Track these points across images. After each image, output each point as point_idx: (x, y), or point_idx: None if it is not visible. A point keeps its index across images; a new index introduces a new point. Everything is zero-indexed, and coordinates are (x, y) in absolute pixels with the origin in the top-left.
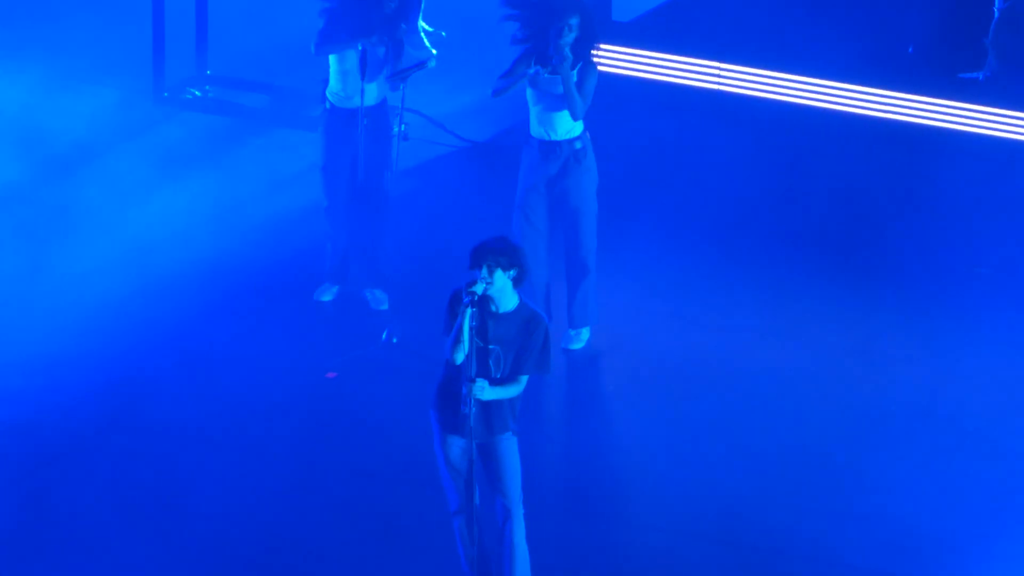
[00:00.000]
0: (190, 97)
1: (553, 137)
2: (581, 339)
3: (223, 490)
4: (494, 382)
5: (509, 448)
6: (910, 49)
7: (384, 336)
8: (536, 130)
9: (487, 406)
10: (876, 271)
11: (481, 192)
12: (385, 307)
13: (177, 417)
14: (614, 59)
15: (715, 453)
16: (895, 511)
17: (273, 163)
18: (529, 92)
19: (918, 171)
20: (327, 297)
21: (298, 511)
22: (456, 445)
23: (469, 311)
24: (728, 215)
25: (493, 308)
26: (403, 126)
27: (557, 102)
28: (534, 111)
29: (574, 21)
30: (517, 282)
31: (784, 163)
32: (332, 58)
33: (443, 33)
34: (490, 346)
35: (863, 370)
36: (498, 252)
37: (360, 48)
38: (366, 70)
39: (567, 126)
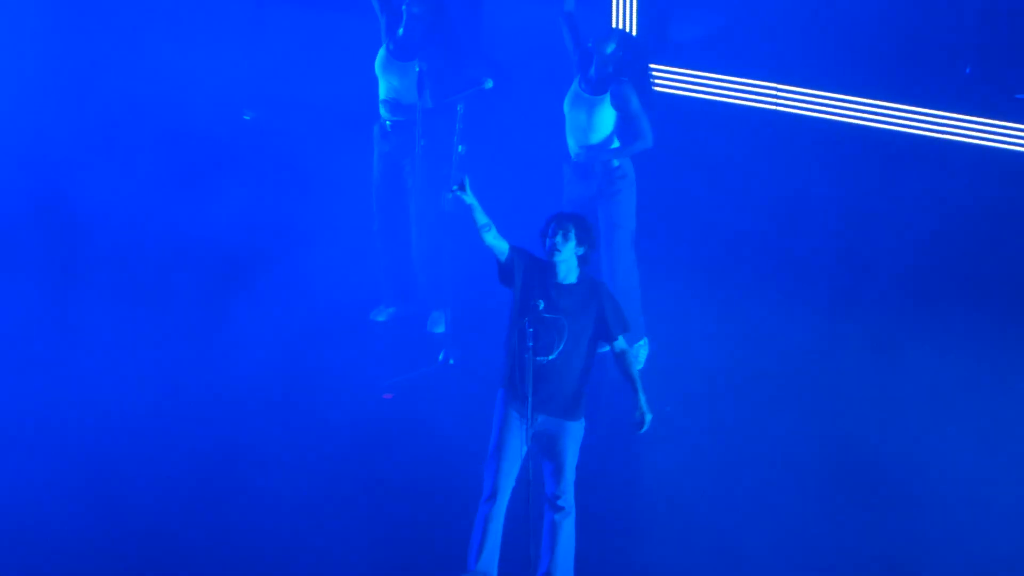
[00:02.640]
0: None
1: (587, 157)
2: (639, 360)
3: (279, 510)
4: (559, 348)
5: (576, 436)
6: (967, 70)
7: (441, 357)
8: (574, 150)
9: (573, 386)
10: (937, 295)
11: (539, 211)
12: (442, 328)
13: (235, 437)
14: (672, 80)
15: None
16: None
17: (328, 178)
18: (567, 103)
19: (980, 191)
20: (383, 317)
21: (354, 531)
22: (512, 417)
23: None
24: (779, 232)
25: (559, 278)
26: (461, 146)
27: (591, 121)
28: (570, 129)
29: (611, 47)
30: (584, 260)
31: (839, 182)
32: (385, 76)
33: (489, 83)
34: (556, 316)
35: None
36: (575, 224)
37: (417, 68)
38: (423, 89)
39: (602, 145)
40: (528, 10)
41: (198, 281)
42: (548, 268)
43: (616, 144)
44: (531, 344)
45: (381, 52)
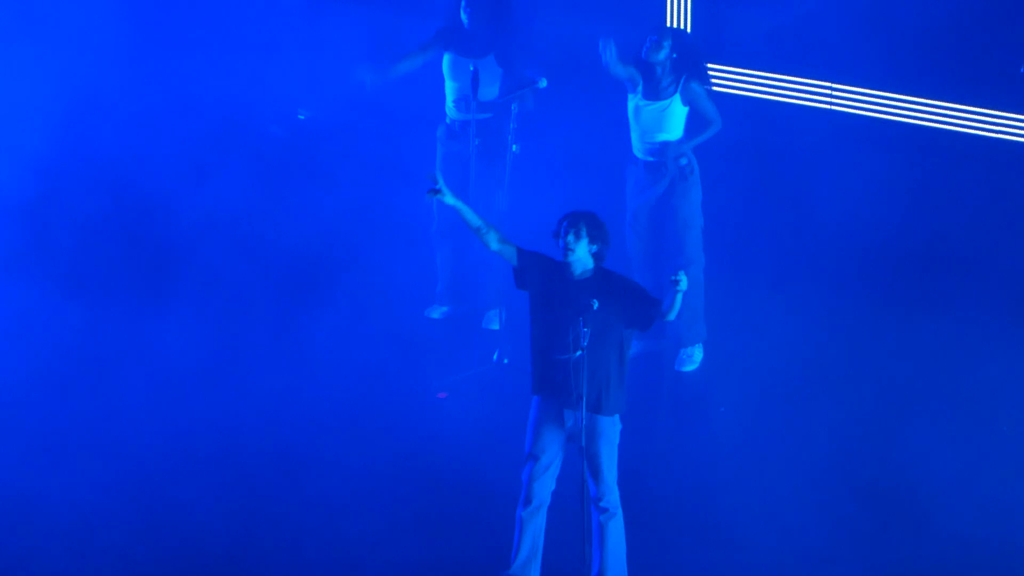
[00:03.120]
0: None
1: (658, 158)
2: (694, 360)
3: (334, 506)
4: (585, 343)
5: (611, 433)
6: (1022, 69)
7: (495, 356)
8: (641, 152)
9: (603, 381)
10: (999, 298)
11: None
12: (497, 326)
13: (290, 436)
14: (727, 79)
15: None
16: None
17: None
18: (632, 113)
19: None
20: (438, 315)
21: (407, 528)
22: (545, 413)
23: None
24: (840, 233)
25: (576, 276)
26: (516, 146)
27: (660, 125)
28: (636, 134)
29: (666, 42)
30: (599, 257)
31: (897, 183)
32: (451, 77)
33: (543, 82)
34: (578, 314)
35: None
36: (586, 222)
37: (472, 68)
38: (478, 89)
39: (672, 145)
40: (583, 9)
41: (257, 281)
42: (563, 267)
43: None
44: (584, 344)
45: (447, 54)
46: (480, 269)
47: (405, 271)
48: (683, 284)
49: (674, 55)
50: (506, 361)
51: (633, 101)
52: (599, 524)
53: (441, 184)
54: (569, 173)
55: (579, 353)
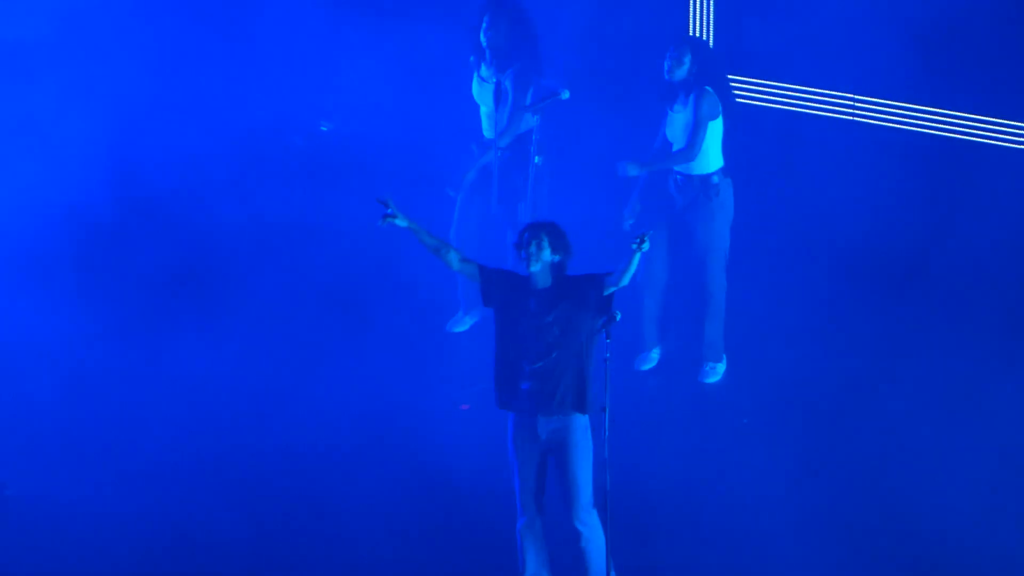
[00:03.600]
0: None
1: (690, 172)
2: (717, 372)
3: (356, 520)
4: (555, 350)
5: (583, 433)
6: None
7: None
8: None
9: (573, 382)
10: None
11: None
12: None
13: (312, 444)
14: (749, 90)
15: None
16: None
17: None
18: (667, 125)
19: None
20: (460, 328)
21: (430, 536)
22: (520, 428)
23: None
24: (861, 246)
25: (538, 286)
26: (538, 157)
27: (680, 134)
28: (667, 148)
29: (686, 57)
30: (560, 267)
31: (921, 195)
32: (480, 98)
33: (566, 94)
34: (543, 323)
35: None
36: (547, 233)
37: (495, 80)
38: (499, 102)
39: (704, 160)
40: (606, 20)
41: (284, 294)
42: (526, 280)
43: (712, 159)
44: (553, 353)
45: (474, 76)
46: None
47: (432, 282)
48: (645, 246)
49: (695, 68)
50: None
51: (670, 114)
52: (582, 542)
53: (393, 208)
54: (593, 185)
55: (546, 362)
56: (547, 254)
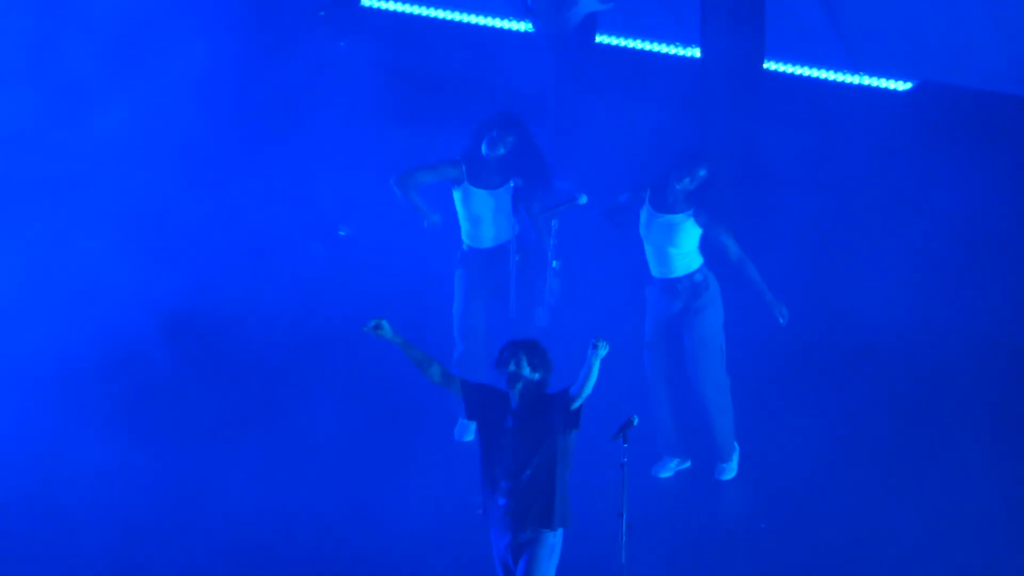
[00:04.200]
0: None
1: (671, 275)
2: (732, 469)
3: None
4: (529, 467)
5: (551, 546)
6: None
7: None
8: (656, 270)
9: (548, 497)
10: None
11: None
12: None
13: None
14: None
15: None
16: None
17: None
18: (644, 232)
19: None
20: (469, 437)
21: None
22: (498, 543)
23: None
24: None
25: (516, 405)
26: (556, 262)
27: (671, 239)
28: (649, 250)
29: (701, 172)
30: (542, 384)
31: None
32: (459, 202)
33: (583, 198)
34: (521, 440)
35: None
36: (526, 351)
37: (512, 184)
38: (518, 205)
39: (684, 261)
40: (624, 125)
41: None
42: (506, 397)
43: (693, 258)
44: (526, 472)
45: (461, 185)
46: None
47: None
48: (602, 350)
49: (703, 174)
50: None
51: (644, 213)
52: None
53: (383, 323)
54: (607, 287)
55: (523, 478)
56: (526, 372)
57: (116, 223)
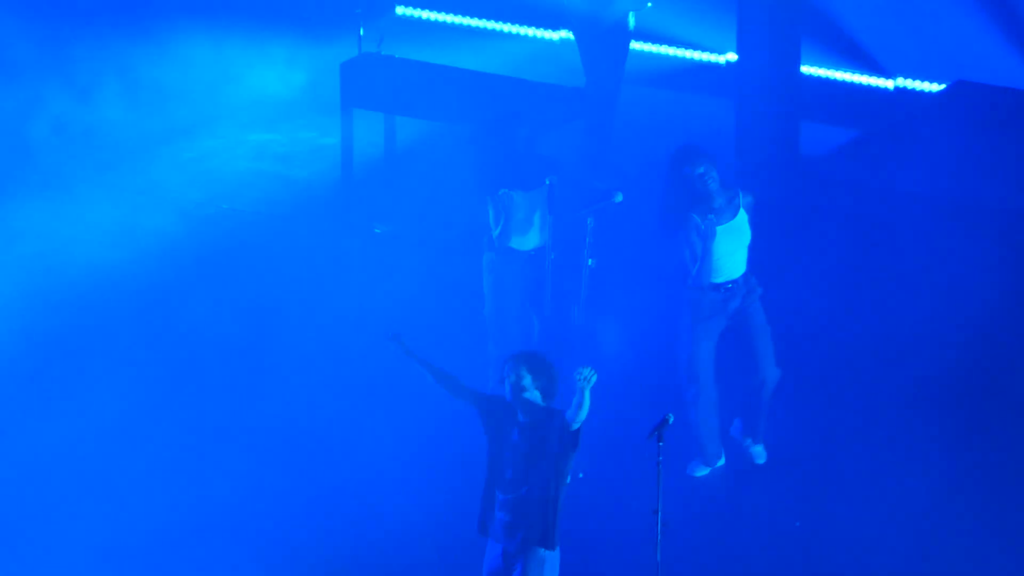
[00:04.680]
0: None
1: (735, 275)
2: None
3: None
4: (528, 483)
5: (549, 565)
6: None
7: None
8: (717, 276)
9: (545, 515)
10: None
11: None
12: None
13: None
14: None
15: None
16: None
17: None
18: (711, 246)
19: None
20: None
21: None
22: (491, 555)
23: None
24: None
25: (520, 417)
26: (591, 260)
27: (733, 244)
28: (710, 259)
29: (714, 171)
30: (547, 394)
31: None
32: (498, 207)
33: (619, 196)
34: (523, 453)
35: None
36: (527, 364)
37: (547, 183)
38: (553, 203)
39: (744, 259)
40: (659, 122)
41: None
42: (511, 408)
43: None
44: (524, 487)
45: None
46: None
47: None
48: (592, 379)
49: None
50: (581, 475)
51: (705, 227)
52: None
53: (403, 338)
54: (642, 285)
55: (523, 492)
56: (527, 382)
57: None
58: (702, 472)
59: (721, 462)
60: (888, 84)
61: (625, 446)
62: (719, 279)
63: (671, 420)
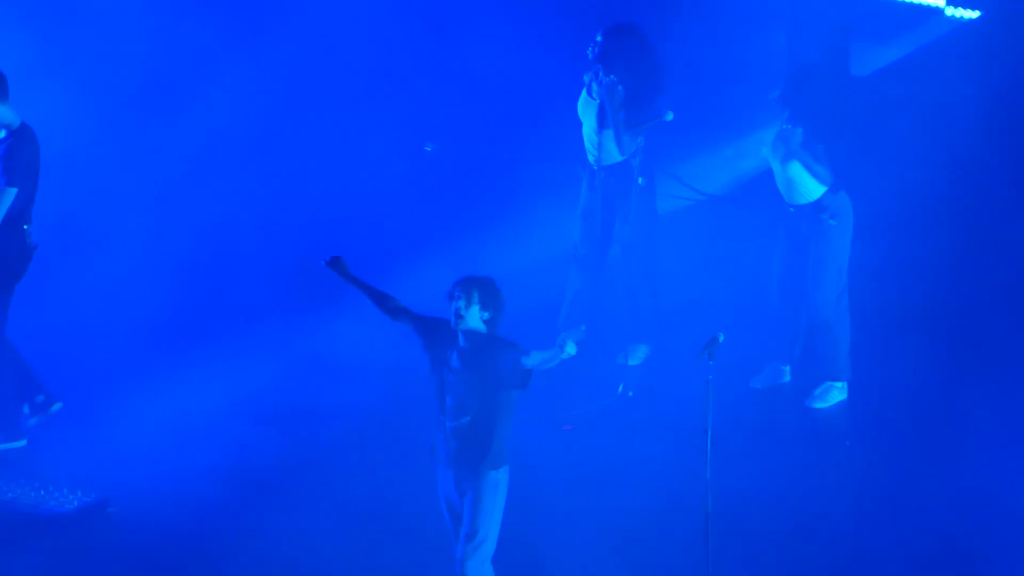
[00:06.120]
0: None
1: (801, 200)
2: (839, 392)
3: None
4: (470, 412)
5: (495, 484)
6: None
7: (620, 389)
8: (789, 197)
9: (490, 439)
10: None
11: (720, 246)
12: (638, 362)
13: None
14: None
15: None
16: None
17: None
18: (777, 159)
19: None
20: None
21: (535, 561)
22: (444, 483)
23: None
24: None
25: (462, 342)
26: (641, 179)
27: (802, 167)
28: (782, 179)
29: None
30: (491, 323)
31: None
32: (585, 117)
33: (669, 115)
34: (465, 379)
35: None
36: (479, 289)
37: (597, 101)
38: (602, 122)
39: (812, 186)
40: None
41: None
42: (453, 333)
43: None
44: (468, 415)
45: (583, 94)
46: (625, 299)
47: (541, 300)
48: (570, 350)
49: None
50: (631, 394)
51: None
52: None
53: (340, 262)
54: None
55: (466, 420)
56: (475, 310)
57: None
58: (763, 383)
59: (787, 378)
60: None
61: (676, 366)
62: (794, 201)
63: (721, 339)
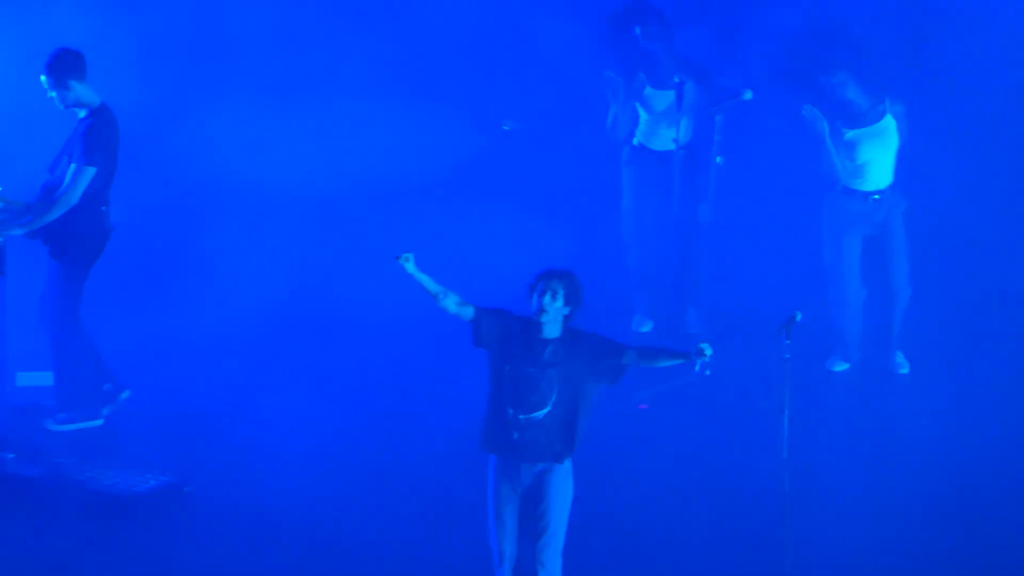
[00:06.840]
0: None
1: (879, 186)
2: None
3: None
4: (549, 404)
5: (563, 477)
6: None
7: (698, 368)
8: (860, 183)
9: (563, 434)
10: None
11: (791, 225)
12: (696, 329)
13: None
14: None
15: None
16: None
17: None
18: (848, 146)
19: None
20: (645, 328)
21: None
22: (509, 474)
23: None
24: None
25: (543, 335)
26: (720, 157)
27: (875, 150)
28: (854, 165)
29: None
30: (569, 318)
31: None
32: (641, 104)
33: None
34: (543, 372)
35: None
36: (563, 284)
37: (676, 81)
38: (682, 101)
39: (888, 170)
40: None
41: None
42: (531, 325)
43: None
44: (549, 405)
45: (644, 90)
46: (682, 277)
47: (614, 280)
48: (707, 353)
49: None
50: (708, 373)
51: (851, 132)
52: None
53: (409, 257)
54: (770, 185)
55: (542, 413)
56: (560, 304)
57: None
58: (841, 367)
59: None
60: None
61: (752, 344)
62: (864, 187)
63: (798, 318)
